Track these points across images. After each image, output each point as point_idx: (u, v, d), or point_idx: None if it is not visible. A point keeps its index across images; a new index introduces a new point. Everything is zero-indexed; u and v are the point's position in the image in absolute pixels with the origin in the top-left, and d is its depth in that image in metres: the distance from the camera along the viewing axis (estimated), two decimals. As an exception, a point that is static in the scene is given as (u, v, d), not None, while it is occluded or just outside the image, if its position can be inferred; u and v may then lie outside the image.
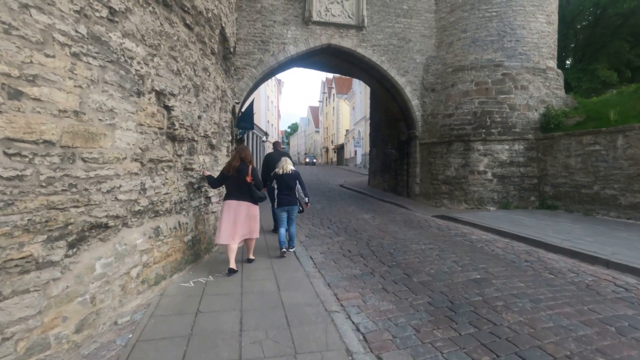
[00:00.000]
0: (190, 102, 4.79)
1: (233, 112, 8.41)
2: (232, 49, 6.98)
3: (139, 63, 3.55)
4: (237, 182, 4.92)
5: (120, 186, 3.28)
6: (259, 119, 38.18)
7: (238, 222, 4.85)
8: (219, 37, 6.03)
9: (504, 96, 11.06)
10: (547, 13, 11.57)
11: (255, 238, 5.19)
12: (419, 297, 4.21)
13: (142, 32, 3.60)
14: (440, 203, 11.62)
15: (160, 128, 4.08)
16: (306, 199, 6.18)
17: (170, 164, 4.31)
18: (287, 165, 5.87)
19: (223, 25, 6.13)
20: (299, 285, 4.42)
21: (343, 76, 61.27)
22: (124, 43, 3.30)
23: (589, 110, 10.65)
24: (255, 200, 5.03)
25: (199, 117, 5.10)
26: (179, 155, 4.55)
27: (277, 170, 5.86)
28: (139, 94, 3.58)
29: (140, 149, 3.60)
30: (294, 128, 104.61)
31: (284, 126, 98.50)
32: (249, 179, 4.92)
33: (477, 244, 6.92)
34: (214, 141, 5.67)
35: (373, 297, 4.20)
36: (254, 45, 11.24)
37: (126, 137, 3.36)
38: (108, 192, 3.11)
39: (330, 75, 66.50)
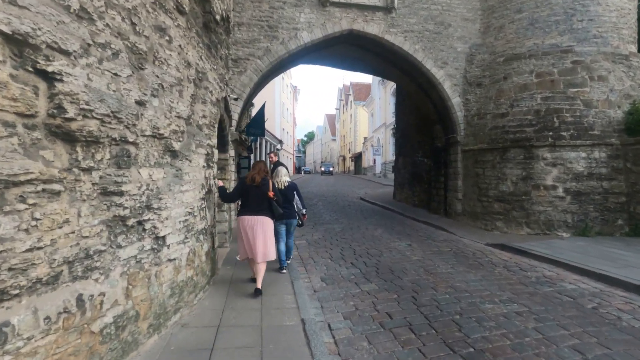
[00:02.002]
0: (116, 75, 2.69)
1: (226, 108, 6.34)
2: (218, 17, 4.91)
3: None
4: (258, 195, 4.71)
5: None
6: (273, 126, 36.42)
7: (257, 237, 4.59)
8: (191, -13, 3.97)
9: (575, 90, 8.62)
10: (629, -16, 9.13)
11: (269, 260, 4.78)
12: None
13: None
14: (492, 225, 9.17)
15: (23, 114, 1.98)
16: (303, 211, 6.06)
17: (57, 186, 2.20)
18: (283, 178, 5.63)
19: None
20: None
21: (361, 82, 59.61)
22: None
23: (694, 106, 8.10)
24: (274, 216, 4.87)
25: (140, 103, 2.99)
26: (87, 170, 2.44)
27: (274, 183, 5.25)
28: None
29: None
30: (310, 136, 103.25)
31: (300, 134, 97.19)
32: (271, 194, 4.78)
33: (581, 300, 4.52)
34: (176, 145, 3.56)
35: None
36: (260, 32, 9.22)
37: None
38: None
39: (347, 82, 64.81)
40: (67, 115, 2.24)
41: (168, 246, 3.38)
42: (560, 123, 8.51)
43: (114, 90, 2.67)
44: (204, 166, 4.36)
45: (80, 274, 2.38)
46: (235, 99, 8.43)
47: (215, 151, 5.09)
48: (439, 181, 11.63)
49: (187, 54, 3.96)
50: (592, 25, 8.92)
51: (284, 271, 5.53)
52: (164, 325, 3.32)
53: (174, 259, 3.49)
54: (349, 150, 61.60)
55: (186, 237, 3.76)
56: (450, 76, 10.35)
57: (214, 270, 4.95)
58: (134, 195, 2.91)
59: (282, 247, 5.63)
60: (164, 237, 3.31)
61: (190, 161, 3.88)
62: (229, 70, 8.41)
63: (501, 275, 5.58)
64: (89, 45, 2.44)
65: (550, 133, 8.51)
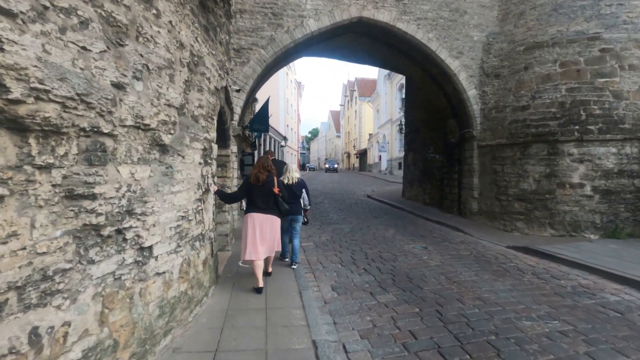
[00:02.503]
0: (85, 49, 2.16)
1: (227, 99, 5.80)
2: (217, -5, 4.37)
3: None
4: (264, 193, 4.68)
5: None
6: (278, 123, 35.87)
7: (264, 237, 4.62)
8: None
9: (604, 80, 7.97)
10: (662, -35, 8.42)
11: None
12: None
13: None
14: (511, 226, 8.58)
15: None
16: (308, 207, 5.99)
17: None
18: (294, 174, 5.62)
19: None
20: None
21: (366, 78, 58.79)
22: None
23: None
24: (281, 212, 4.84)
25: (119, 85, 2.46)
26: (44, 168, 1.92)
27: (283, 179, 5.46)
28: None
29: None
30: (314, 133, 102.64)
31: (304, 131, 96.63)
32: (276, 190, 4.74)
33: (630, 316, 3.95)
34: (165, 138, 3.03)
35: None
36: (263, 19, 8.66)
37: None
38: None
39: (352, 78, 64.02)
40: (11, 97, 1.71)
41: (156, 258, 2.86)
42: (588, 116, 7.88)
43: (81, 68, 2.14)
44: (200, 163, 3.83)
45: (35, 301, 1.86)
46: (238, 90, 7.88)
47: (214, 146, 4.56)
48: (453, 178, 11.04)
49: (179, 33, 3.42)
50: (622, 10, 8.24)
51: (287, 259, 5.90)
52: (151, 351, 2.80)
53: (164, 272, 2.97)
54: (354, 146, 60.91)
55: (178, 246, 3.24)
56: (466, 67, 9.72)
57: (213, 279, 4.43)
58: (110, 198, 2.38)
59: (286, 238, 5.88)
60: (150, 248, 2.78)
61: (183, 157, 3.35)
62: (230, 58, 7.87)
63: (532, 284, 5.01)
64: (46, 8, 1.90)
65: (577, 127, 7.88)
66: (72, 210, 2.11)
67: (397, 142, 35.05)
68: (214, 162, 4.55)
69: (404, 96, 32.81)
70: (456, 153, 10.79)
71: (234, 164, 8.28)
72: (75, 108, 2.09)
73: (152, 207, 2.80)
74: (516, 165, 8.51)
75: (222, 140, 6.19)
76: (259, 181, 4.63)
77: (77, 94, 2.08)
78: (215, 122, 4.65)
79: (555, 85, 8.33)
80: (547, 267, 5.90)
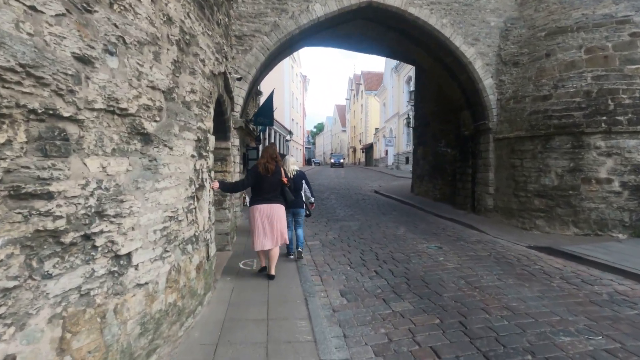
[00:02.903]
0: (33, 9, 1.71)
1: (227, 87, 5.34)
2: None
3: None
4: (271, 183, 4.66)
5: None
6: (283, 116, 35.39)
7: (273, 226, 4.62)
8: None
9: (634, 67, 7.37)
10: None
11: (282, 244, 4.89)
12: None
13: None
14: (530, 224, 8.05)
15: None
16: (312, 199, 5.91)
17: None
18: (291, 167, 5.48)
19: None
20: None
21: (372, 71, 57.89)
22: None
23: None
24: (288, 202, 4.89)
25: (84, 59, 2.01)
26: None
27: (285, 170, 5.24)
28: None
29: None
30: (319, 128, 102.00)
31: (310, 126, 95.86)
32: (285, 180, 4.78)
33: (684, 331, 3.45)
34: (148, 126, 2.58)
35: None
36: (267, 4, 8.15)
37: None
38: None
39: (358, 71, 63.14)
40: None
41: (136, 266, 2.42)
42: (616, 106, 7.29)
43: (29, 34, 1.69)
44: (193, 156, 3.38)
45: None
46: (239, 79, 7.40)
47: (211, 138, 4.10)
48: (466, 173, 10.50)
49: (166, 5, 2.95)
50: (654, -9, 7.60)
51: (292, 256, 5.73)
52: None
53: (146, 283, 2.54)
54: (360, 141, 60.26)
55: (165, 251, 2.80)
56: (482, 54, 9.14)
57: (209, 285, 4.01)
58: (74, 197, 1.94)
59: (290, 234, 5.61)
60: (128, 255, 2.35)
61: (171, 148, 2.90)
62: (231, 46, 7.40)
63: (563, 291, 4.51)
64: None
65: (604, 118, 7.30)
66: (19, 213, 1.68)
67: (405, 136, 34.40)
68: (211, 155, 4.10)
69: (411, 89, 32.13)
70: (470, 146, 10.24)
71: (236, 158, 7.85)
72: (20, 83, 1.64)
73: (131, 207, 2.36)
74: (537, 159, 7.96)
75: (222, 132, 5.75)
76: (269, 172, 4.62)
77: (21, 65, 1.63)
78: (211, 110, 4.19)
79: (580, 73, 7.73)
80: (576, 270, 5.39)
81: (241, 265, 5.22)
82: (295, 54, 43.12)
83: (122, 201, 2.28)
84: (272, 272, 4.72)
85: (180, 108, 3.15)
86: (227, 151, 5.88)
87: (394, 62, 37.61)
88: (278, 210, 4.69)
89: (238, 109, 7.98)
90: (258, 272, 4.95)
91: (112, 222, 2.19)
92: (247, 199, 7.64)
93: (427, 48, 9.98)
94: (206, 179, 3.86)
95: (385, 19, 9.38)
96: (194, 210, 3.40)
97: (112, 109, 2.23)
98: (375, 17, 9.32)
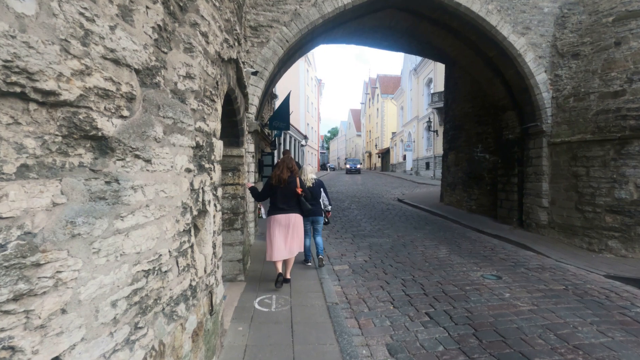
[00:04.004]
0: None
1: (239, 81, 4.28)
2: None
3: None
4: (286, 194, 4.65)
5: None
6: (298, 121, 34.51)
7: (288, 237, 4.60)
8: None
9: None
10: None
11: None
12: None
13: None
14: (600, 245, 6.71)
15: None
16: (329, 207, 5.94)
17: None
18: (309, 175, 5.39)
19: None
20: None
21: (389, 75, 56.64)
22: None
23: None
24: (304, 212, 4.83)
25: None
26: None
27: (301, 179, 5.07)
28: None
29: None
30: (333, 132, 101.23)
31: (323, 131, 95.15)
32: (299, 190, 4.74)
33: None
34: (107, 125, 1.51)
35: None
36: (286, -10, 7.13)
37: None
38: None
39: (374, 75, 61.91)
40: None
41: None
42: None
43: None
44: (188, 170, 2.30)
45: None
46: (255, 73, 6.35)
47: (217, 143, 3.04)
48: (510, 183, 9.20)
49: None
50: None
51: (309, 263, 5.80)
52: None
53: None
54: (376, 145, 58.94)
55: (136, 328, 1.72)
56: (534, 45, 7.89)
57: (214, 347, 2.91)
58: None
59: (308, 242, 5.76)
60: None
61: (148, 161, 1.82)
62: (246, 37, 6.39)
63: (701, 354, 3.24)
64: None
65: (698, 117, 5.96)
66: None
67: (425, 140, 33.01)
68: (217, 167, 3.03)
69: (432, 91, 30.77)
70: (516, 152, 8.95)
71: (250, 166, 6.81)
72: None
73: (57, 272, 1.28)
74: (609, 167, 6.64)
75: (233, 136, 4.70)
76: (282, 182, 4.61)
77: None
78: (218, 107, 3.13)
79: (662, 63, 6.41)
80: (694, 315, 4.08)
81: (257, 305, 4.12)
82: (310, 56, 42.36)
83: (37, 264, 1.21)
84: (288, 276, 4.85)
85: (169, 99, 2.08)
86: (239, 159, 4.81)
87: (412, 65, 36.34)
88: (295, 220, 4.66)
89: (253, 110, 6.95)
90: (275, 285, 4.64)
91: (8, 313, 1.12)
92: (263, 211, 6.71)
93: (467, 40, 8.78)
94: (209, 201, 2.77)
95: (419, 7, 8.25)
96: (189, 250, 2.32)
97: (19, 90, 1.17)
98: (408, 5, 8.20)
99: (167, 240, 2.00)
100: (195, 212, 2.44)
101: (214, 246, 2.91)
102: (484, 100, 10.45)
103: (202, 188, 2.61)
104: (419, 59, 34.04)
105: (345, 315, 4.12)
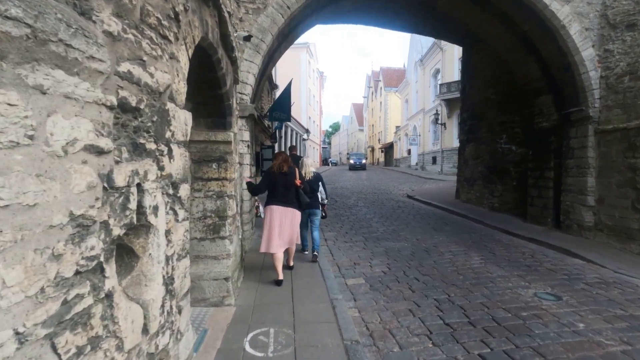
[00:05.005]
0: None
1: (224, 37, 3.12)
2: None
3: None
4: (285, 185, 4.59)
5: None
6: (299, 114, 33.29)
7: (284, 229, 4.54)
8: None
9: None
10: None
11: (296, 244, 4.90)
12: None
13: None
14: (667, 252, 5.57)
15: None
16: (325, 201, 5.90)
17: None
18: (309, 169, 5.48)
19: None
20: None
21: (392, 67, 55.24)
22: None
23: None
24: (302, 205, 4.81)
25: None
26: None
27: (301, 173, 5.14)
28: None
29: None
30: (335, 127, 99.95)
31: (325, 125, 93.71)
32: (298, 182, 4.75)
33: None
34: None
35: None
36: (287, -54, 5.93)
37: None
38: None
39: (377, 67, 60.36)
40: None
41: None
42: None
43: None
44: (95, 150, 1.16)
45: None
46: (248, 38, 5.13)
47: (181, 113, 1.90)
48: (544, 177, 8.04)
49: None
50: None
51: (306, 252, 5.85)
52: None
53: None
54: (379, 140, 57.67)
55: None
56: (580, 15, 6.69)
57: None
58: None
59: (305, 232, 5.78)
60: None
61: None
62: (238, 2, 5.22)
63: None
64: None
65: None
66: None
67: (431, 134, 31.77)
68: (177, 151, 1.88)
69: (439, 82, 29.45)
70: (552, 142, 7.78)
71: (245, 157, 5.68)
72: None
73: None
74: (679, 158, 5.48)
75: (218, 115, 3.56)
76: (282, 170, 4.57)
77: None
78: (183, 56, 1.97)
79: None
80: None
81: (248, 347, 2.98)
82: (312, 48, 40.99)
83: None
84: (291, 264, 5.02)
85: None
86: (226, 146, 3.66)
87: (418, 55, 34.98)
88: (292, 216, 4.62)
89: (248, 90, 5.80)
90: (275, 284, 4.48)
91: None
92: (261, 209, 5.88)
93: (496, 12, 7.57)
94: (156, 207, 1.62)
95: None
96: (96, 309, 1.18)
97: None
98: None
99: (21, 307, 0.87)
100: (118, 231, 1.30)
101: (170, 280, 1.77)
102: (509, 85, 9.25)
103: (140, 185, 1.46)
104: (425, 49, 32.70)
105: (371, 354, 3.00)
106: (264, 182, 4.65)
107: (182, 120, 1.96)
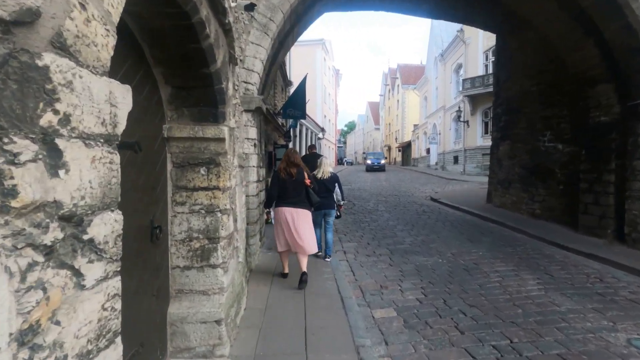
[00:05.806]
0: None
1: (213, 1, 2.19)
2: None
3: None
4: (294, 186, 4.52)
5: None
6: (315, 112, 32.34)
7: (297, 232, 4.41)
8: None
9: None
10: None
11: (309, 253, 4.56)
12: None
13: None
14: None
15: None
16: (341, 202, 5.88)
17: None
18: (327, 168, 5.54)
19: None
20: None
21: (410, 64, 53.66)
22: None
23: None
24: (312, 205, 4.69)
25: None
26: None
27: (316, 173, 5.34)
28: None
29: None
30: (350, 126, 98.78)
31: (340, 124, 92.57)
32: (308, 181, 4.63)
33: None
34: None
35: None
36: None
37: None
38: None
39: (394, 65, 58.81)
40: None
41: None
42: None
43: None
44: None
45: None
46: (250, 7, 4.14)
47: (97, 86, 0.97)
48: (602, 181, 6.84)
49: None
50: None
51: (320, 253, 5.58)
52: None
53: None
54: (396, 139, 56.15)
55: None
56: (657, -15, 5.49)
57: None
58: None
59: (319, 233, 5.62)
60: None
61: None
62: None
63: None
64: None
65: None
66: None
67: (452, 132, 30.30)
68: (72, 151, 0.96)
69: (461, 78, 27.94)
70: (613, 140, 6.58)
71: (251, 159, 4.79)
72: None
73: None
74: None
75: (206, 103, 2.64)
76: (292, 176, 4.48)
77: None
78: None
79: None
80: None
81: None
82: (327, 45, 40.01)
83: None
84: (304, 269, 4.47)
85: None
86: (218, 145, 2.74)
87: (439, 50, 33.48)
88: (303, 216, 4.51)
89: (254, 79, 4.89)
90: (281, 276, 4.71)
91: None
92: (272, 214, 5.10)
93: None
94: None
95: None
96: None
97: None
98: None
99: None
100: None
101: None
102: (556, 74, 8.06)
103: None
104: (446, 43, 31.22)
105: None
106: (274, 187, 4.53)
107: (97, 96, 1.04)
